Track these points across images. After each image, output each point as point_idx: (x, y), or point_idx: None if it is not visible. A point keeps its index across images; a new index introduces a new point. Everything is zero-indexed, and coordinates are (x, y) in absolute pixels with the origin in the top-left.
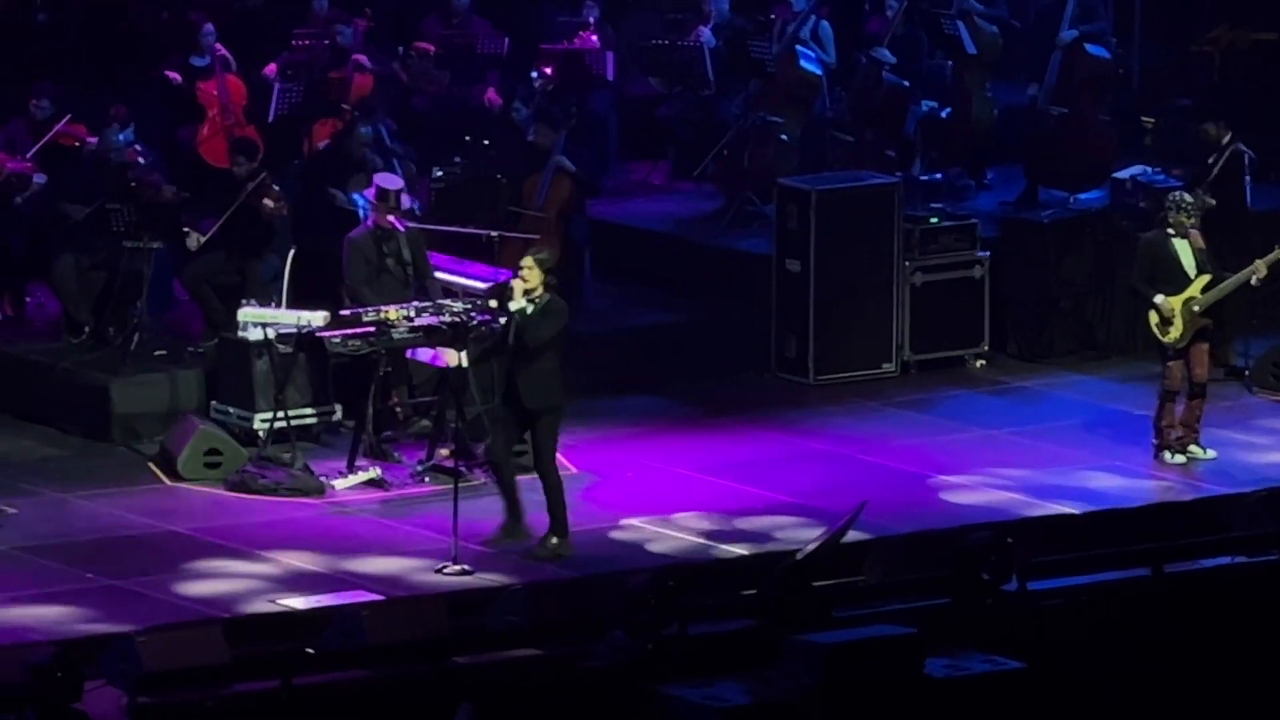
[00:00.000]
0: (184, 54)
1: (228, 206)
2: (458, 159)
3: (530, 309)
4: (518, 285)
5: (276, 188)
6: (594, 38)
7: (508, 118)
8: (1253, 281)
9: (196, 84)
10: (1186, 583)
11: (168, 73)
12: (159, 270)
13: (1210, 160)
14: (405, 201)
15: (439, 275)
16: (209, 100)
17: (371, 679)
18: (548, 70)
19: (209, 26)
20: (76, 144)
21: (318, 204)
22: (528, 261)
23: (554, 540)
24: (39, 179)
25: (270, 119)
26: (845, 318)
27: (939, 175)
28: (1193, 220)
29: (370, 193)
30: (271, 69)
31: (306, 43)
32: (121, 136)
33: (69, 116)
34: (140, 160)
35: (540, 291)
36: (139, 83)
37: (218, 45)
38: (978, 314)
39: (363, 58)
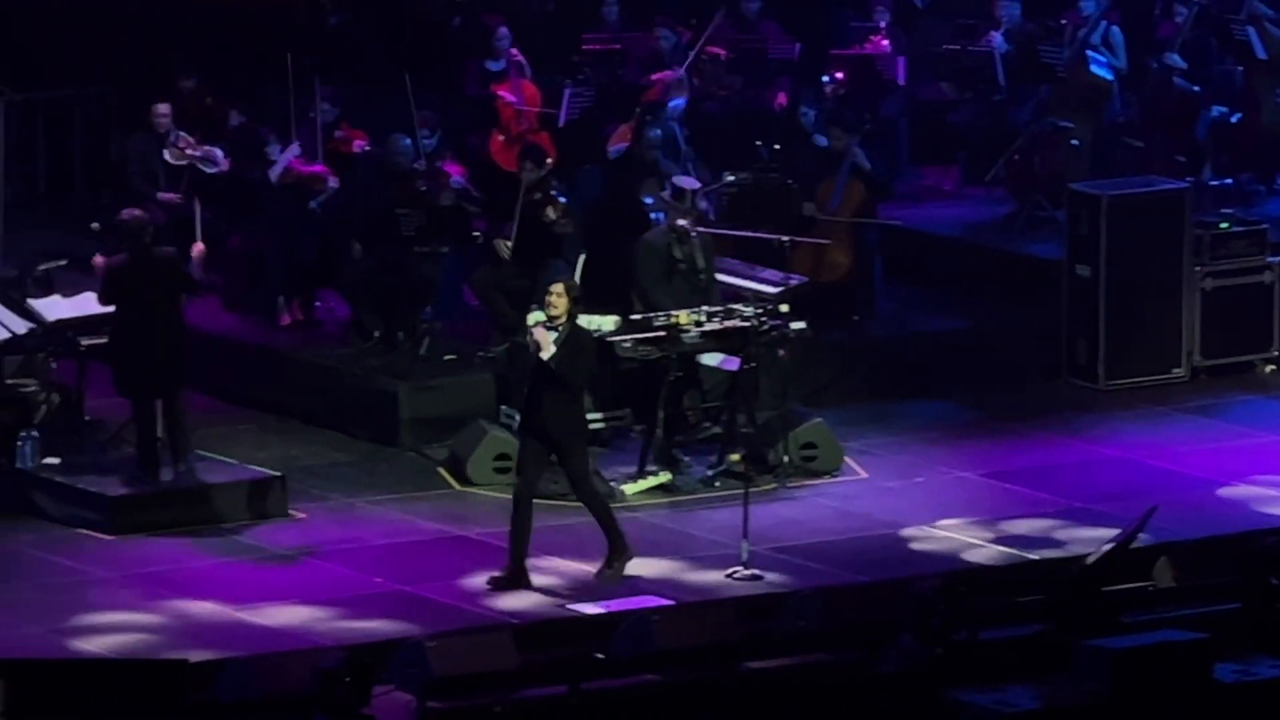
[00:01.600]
0: (479, 58)
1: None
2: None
3: (557, 335)
4: (551, 305)
5: (563, 200)
6: (885, 43)
7: (798, 122)
8: None
9: (491, 88)
10: None
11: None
12: (448, 275)
13: None
14: (702, 204)
15: (730, 279)
16: (503, 105)
17: (661, 684)
18: (839, 75)
19: (504, 30)
20: (352, 148)
21: (613, 208)
22: (557, 289)
23: (617, 563)
24: (333, 183)
25: (561, 123)
26: (1135, 323)
27: (1229, 180)
28: None
29: (667, 193)
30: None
31: (596, 48)
32: (427, 142)
33: (345, 121)
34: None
35: (564, 320)
36: (433, 87)
37: (513, 50)
38: (1268, 319)
39: (681, 71)
